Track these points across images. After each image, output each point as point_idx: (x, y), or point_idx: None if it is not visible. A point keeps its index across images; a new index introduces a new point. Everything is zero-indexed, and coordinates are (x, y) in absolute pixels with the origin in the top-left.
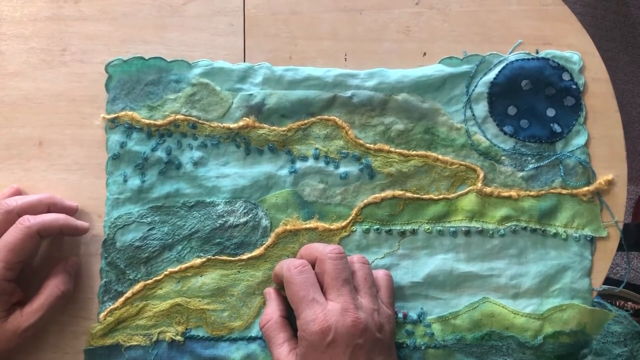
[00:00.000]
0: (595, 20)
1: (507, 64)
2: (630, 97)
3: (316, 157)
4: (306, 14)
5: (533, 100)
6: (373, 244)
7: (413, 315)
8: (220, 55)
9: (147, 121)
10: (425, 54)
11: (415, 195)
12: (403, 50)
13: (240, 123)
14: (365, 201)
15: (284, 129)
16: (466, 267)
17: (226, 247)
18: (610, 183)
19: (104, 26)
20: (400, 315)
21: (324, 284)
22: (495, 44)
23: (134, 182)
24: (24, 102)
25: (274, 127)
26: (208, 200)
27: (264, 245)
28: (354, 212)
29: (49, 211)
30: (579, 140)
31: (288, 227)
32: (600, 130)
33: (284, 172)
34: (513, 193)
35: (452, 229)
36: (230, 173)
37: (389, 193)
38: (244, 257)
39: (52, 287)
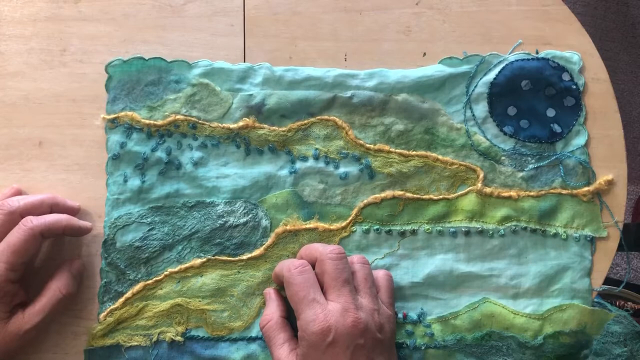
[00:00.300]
0: (595, 20)
1: (507, 64)
2: (630, 97)
3: (316, 158)
4: (306, 14)
5: (533, 101)
6: (373, 244)
7: (413, 315)
8: (220, 56)
9: (147, 121)
10: (425, 54)
11: (415, 196)
12: (403, 51)
13: (240, 123)
14: (365, 201)
15: (284, 129)
16: (466, 268)
17: (226, 247)
18: (610, 183)
19: (104, 26)
20: (400, 315)
21: (324, 285)
22: (495, 44)
23: (134, 182)
24: (24, 103)
25: (274, 128)
26: (208, 200)
27: (264, 246)
28: (354, 212)
29: (51, 211)
30: (579, 141)
31: (288, 228)
32: (600, 130)
33: (284, 172)
34: (513, 193)
35: (452, 229)
36: (230, 173)
37: (389, 193)
38: (244, 257)
39: (54, 289)
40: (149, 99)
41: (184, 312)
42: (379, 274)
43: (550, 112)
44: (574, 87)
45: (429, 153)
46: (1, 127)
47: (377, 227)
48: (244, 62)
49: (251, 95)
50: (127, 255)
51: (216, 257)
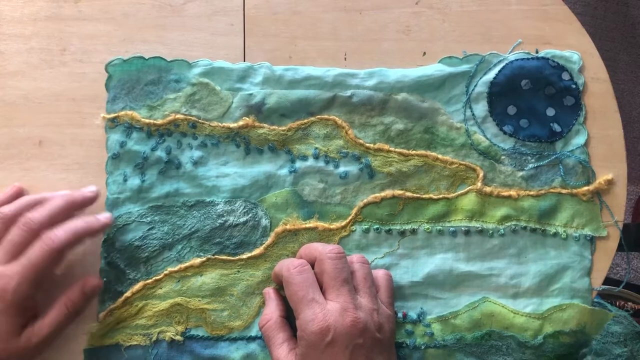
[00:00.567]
0: (595, 20)
1: (506, 64)
2: (630, 97)
3: (316, 157)
4: (306, 13)
5: (533, 100)
6: (373, 243)
7: (413, 315)
8: (220, 55)
9: (147, 121)
10: (425, 53)
11: (415, 195)
12: (403, 50)
13: (240, 123)
14: (365, 201)
15: (283, 128)
16: (466, 267)
17: (226, 246)
18: (610, 183)
19: (103, 26)
20: (400, 315)
21: (324, 284)
22: (495, 44)
23: (134, 181)
24: (23, 102)
25: (273, 127)
26: (208, 199)
27: (264, 245)
28: (353, 211)
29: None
30: (579, 140)
31: (288, 227)
32: (600, 129)
33: (284, 171)
34: (513, 193)
35: (451, 229)
36: (230, 172)
37: (388, 193)
38: (244, 256)
39: (61, 304)
40: (149, 99)
41: (184, 311)
42: (379, 274)
43: (550, 112)
44: (574, 86)
45: (428, 152)
46: (1, 127)
47: (377, 226)
48: (244, 61)
49: (251, 94)
50: (127, 254)
51: (216, 256)
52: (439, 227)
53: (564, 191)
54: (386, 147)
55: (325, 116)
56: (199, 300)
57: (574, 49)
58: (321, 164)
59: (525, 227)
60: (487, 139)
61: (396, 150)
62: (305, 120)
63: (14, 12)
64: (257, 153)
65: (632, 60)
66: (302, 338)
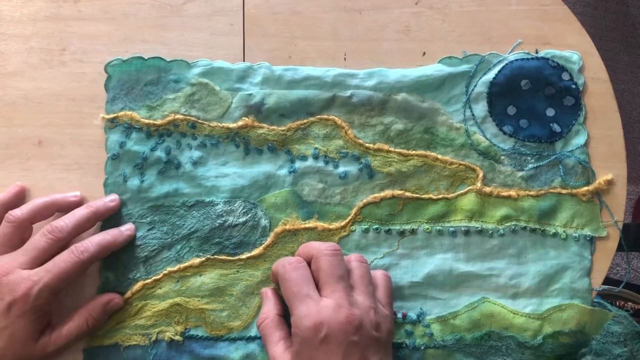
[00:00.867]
0: (595, 20)
1: (506, 64)
2: (630, 97)
3: (315, 157)
4: (306, 13)
5: (532, 100)
6: (372, 243)
7: (412, 315)
8: (220, 55)
9: (147, 121)
10: (424, 53)
11: (414, 195)
12: (402, 50)
13: (240, 123)
14: (364, 201)
15: (283, 128)
16: (465, 267)
17: (225, 246)
18: (609, 183)
19: (103, 26)
20: (399, 315)
21: (319, 281)
22: (495, 44)
23: (133, 181)
24: (23, 102)
25: (273, 127)
26: (207, 199)
27: (263, 245)
28: (353, 211)
29: (57, 211)
30: (579, 140)
31: (287, 227)
32: (599, 130)
33: (283, 171)
34: (512, 193)
35: (451, 229)
36: (229, 173)
37: (388, 193)
38: (243, 256)
39: (83, 320)
40: (148, 99)
41: (183, 311)
42: (377, 274)
43: (550, 112)
44: (574, 86)
45: (428, 152)
46: (1, 127)
47: (377, 226)
48: (244, 61)
49: (250, 94)
50: (126, 254)
51: (215, 256)
52: (438, 227)
53: (563, 191)
54: (386, 147)
55: (325, 116)
56: (198, 300)
57: (574, 49)
58: (321, 164)
59: (525, 227)
60: (487, 139)
61: (396, 150)
62: (305, 121)
63: (14, 12)
64: (256, 153)
65: (632, 60)
66: (296, 335)
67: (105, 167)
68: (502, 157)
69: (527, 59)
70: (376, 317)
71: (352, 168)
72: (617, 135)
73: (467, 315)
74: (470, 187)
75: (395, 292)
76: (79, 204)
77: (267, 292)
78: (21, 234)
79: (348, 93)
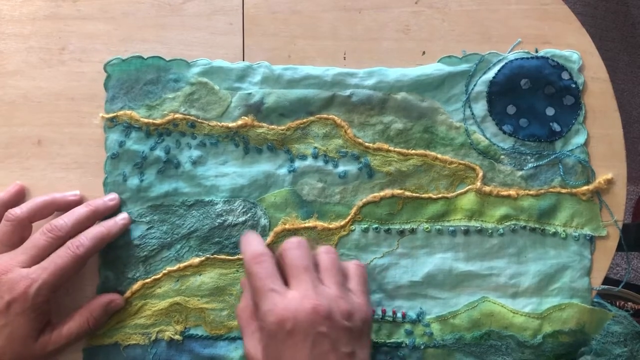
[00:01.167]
0: (595, 20)
1: (506, 63)
2: (630, 97)
3: (315, 156)
4: (305, 13)
5: (532, 99)
6: (372, 243)
7: (412, 314)
8: (219, 54)
9: (146, 120)
10: (424, 53)
11: (414, 194)
12: (402, 49)
13: (239, 122)
14: (364, 200)
15: (282, 128)
16: (465, 267)
17: (225, 246)
18: (609, 182)
19: (102, 25)
20: (399, 314)
21: (286, 275)
22: (495, 43)
23: (133, 181)
24: (23, 101)
25: (272, 126)
26: (207, 199)
27: None
28: (352, 211)
29: (56, 210)
30: (579, 139)
31: (287, 226)
32: (599, 129)
33: (283, 171)
34: (512, 192)
35: (451, 228)
36: (229, 172)
37: (388, 192)
38: None
39: (84, 319)
40: (148, 98)
41: (183, 310)
42: (349, 264)
43: (550, 111)
44: (574, 85)
45: (428, 152)
46: (0, 126)
47: (376, 225)
48: (243, 60)
49: (250, 94)
50: (126, 253)
51: (215, 255)
52: (438, 227)
53: (563, 191)
54: (385, 146)
55: (325, 115)
56: (198, 300)
57: (574, 48)
58: (320, 163)
59: (524, 227)
60: (487, 138)
61: (395, 149)
62: (305, 120)
63: (13, 11)
64: (256, 152)
65: (632, 60)
66: (263, 329)
67: (105, 166)
68: (502, 157)
69: (527, 58)
70: (347, 305)
71: (351, 167)
72: (617, 135)
73: (466, 315)
74: (470, 187)
75: (395, 292)
76: (78, 203)
77: (246, 283)
78: (21, 233)
79: (348, 92)
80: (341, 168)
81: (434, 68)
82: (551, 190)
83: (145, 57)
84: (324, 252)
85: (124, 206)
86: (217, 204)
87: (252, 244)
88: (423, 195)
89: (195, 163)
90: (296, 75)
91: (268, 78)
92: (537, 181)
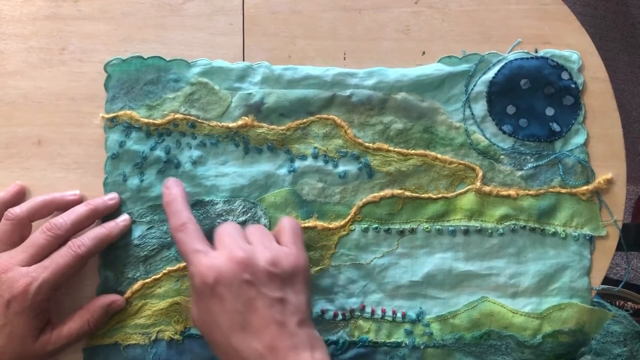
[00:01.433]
0: (595, 20)
1: (506, 63)
2: (630, 97)
3: (315, 156)
4: (305, 13)
5: (532, 99)
6: (372, 242)
7: (412, 314)
8: (220, 55)
9: (146, 120)
10: (424, 53)
11: (414, 194)
12: (402, 50)
13: (239, 122)
14: (364, 200)
15: (283, 128)
16: (465, 266)
17: None
18: (609, 182)
19: (103, 25)
20: (399, 314)
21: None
22: (495, 43)
23: (133, 181)
24: (23, 101)
25: (273, 126)
26: (207, 199)
27: None
28: (352, 211)
29: (56, 209)
30: (578, 139)
31: None
32: (599, 129)
33: (283, 171)
34: (512, 192)
35: (451, 228)
36: (229, 172)
37: (387, 192)
38: None
39: (84, 320)
40: (148, 98)
41: (183, 310)
42: (281, 220)
43: (550, 111)
44: (573, 86)
45: (428, 152)
46: (0, 126)
47: (376, 225)
48: (243, 61)
49: (250, 94)
50: (126, 253)
51: None
52: (438, 227)
53: (563, 190)
54: (385, 146)
55: (325, 115)
56: None
57: (574, 48)
58: (320, 163)
59: (524, 227)
60: (487, 138)
61: (395, 149)
62: (305, 120)
63: (14, 11)
64: (256, 152)
65: (632, 60)
66: (193, 288)
67: (105, 166)
68: (502, 157)
69: (527, 58)
70: (271, 253)
71: (351, 167)
72: (616, 135)
73: (466, 315)
74: (469, 187)
75: (395, 292)
76: (78, 202)
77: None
78: (21, 232)
79: (348, 92)
80: (341, 168)
81: (433, 68)
82: (551, 190)
83: (146, 57)
84: (251, 224)
85: (124, 206)
86: (217, 203)
87: (176, 215)
88: (423, 195)
89: (195, 163)
90: (296, 75)
91: (268, 78)
92: (536, 181)
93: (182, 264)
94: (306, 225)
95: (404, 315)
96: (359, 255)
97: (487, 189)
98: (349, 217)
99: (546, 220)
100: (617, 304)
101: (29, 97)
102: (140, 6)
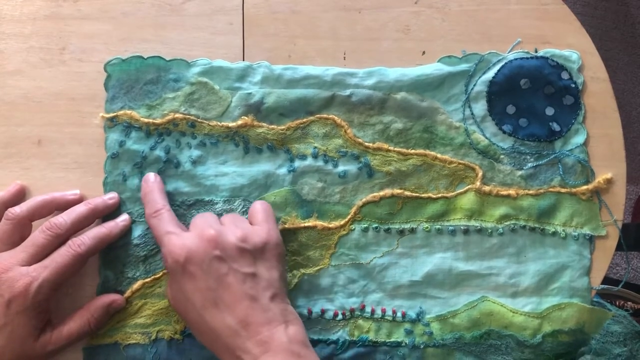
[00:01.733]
0: (595, 20)
1: (506, 63)
2: (630, 97)
3: (315, 156)
4: (305, 13)
5: (532, 99)
6: (372, 242)
7: (412, 314)
8: (219, 54)
9: (146, 120)
10: (424, 52)
11: (414, 194)
12: (402, 49)
13: (239, 122)
14: (364, 200)
15: (282, 127)
16: (465, 266)
17: None
18: (609, 182)
19: (103, 25)
20: (399, 314)
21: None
22: (495, 43)
23: (133, 181)
24: (23, 101)
25: (272, 126)
26: (207, 198)
27: None
28: (352, 210)
29: (56, 209)
30: (578, 139)
31: (287, 226)
32: (599, 129)
33: (283, 170)
34: (512, 192)
35: (450, 228)
36: (228, 172)
37: (387, 192)
38: None
39: (85, 321)
40: (148, 98)
41: None
42: (253, 204)
43: (549, 111)
44: (573, 85)
45: (427, 151)
46: (0, 126)
47: (376, 225)
48: (243, 60)
49: (250, 93)
50: (126, 253)
51: None
52: (438, 226)
53: (563, 190)
54: (385, 146)
55: (325, 115)
56: None
57: (574, 48)
58: (320, 163)
59: (524, 226)
60: (486, 138)
61: (395, 149)
62: (304, 120)
63: (14, 11)
64: (256, 152)
65: (632, 60)
66: (167, 269)
67: (105, 166)
68: (502, 156)
69: (527, 58)
70: (241, 230)
71: (351, 167)
72: (616, 135)
73: (466, 314)
74: (469, 186)
75: (395, 291)
76: (78, 202)
77: None
78: (21, 232)
79: (347, 92)
80: (341, 168)
81: (433, 68)
82: (551, 189)
83: (146, 57)
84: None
85: (123, 206)
86: (217, 203)
87: (151, 203)
88: (423, 195)
89: (195, 163)
90: (296, 75)
91: (268, 78)
92: (536, 181)
93: None
94: (306, 225)
95: (403, 315)
96: (359, 254)
97: (487, 188)
98: (348, 217)
99: (546, 220)
100: (617, 303)
101: (29, 96)
102: (140, 6)
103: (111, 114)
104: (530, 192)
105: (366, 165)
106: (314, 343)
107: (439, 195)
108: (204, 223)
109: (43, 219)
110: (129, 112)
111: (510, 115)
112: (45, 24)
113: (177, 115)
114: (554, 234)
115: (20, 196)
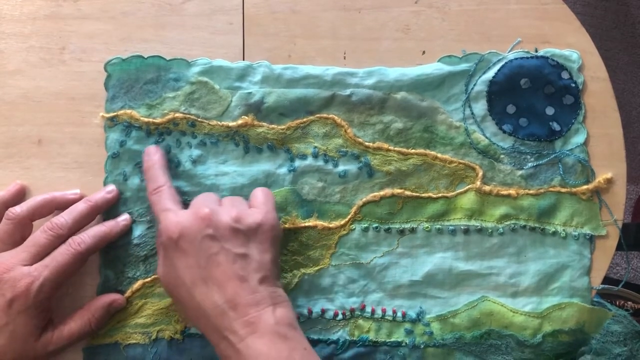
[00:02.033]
0: (595, 20)
1: (506, 63)
2: (630, 96)
3: (315, 156)
4: (305, 12)
5: (532, 99)
6: (372, 242)
7: (412, 314)
8: (220, 54)
9: (146, 120)
10: (424, 52)
11: (414, 194)
12: (402, 49)
13: (239, 121)
14: (364, 199)
15: (282, 127)
16: (465, 266)
17: None
18: (609, 182)
19: (103, 25)
20: (399, 314)
21: None
22: (495, 43)
23: (134, 180)
24: (23, 101)
25: (272, 126)
26: None
27: None
28: (352, 210)
29: (56, 209)
30: (578, 139)
31: (287, 225)
32: (599, 128)
33: (283, 170)
34: (512, 191)
35: (451, 228)
36: (229, 171)
37: (387, 191)
38: None
39: (86, 321)
40: (148, 97)
41: None
42: (254, 190)
43: (550, 111)
44: (573, 85)
45: (428, 151)
46: (0, 125)
47: (376, 225)
48: (243, 60)
49: (250, 93)
50: (126, 253)
51: None
52: (438, 226)
53: (563, 190)
54: (385, 145)
55: (325, 115)
56: None
57: (574, 48)
58: (320, 162)
59: (524, 226)
60: (487, 137)
61: (395, 149)
62: (305, 119)
63: (14, 10)
64: (256, 152)
65: (632, 60)
66: (160, 245)
67: (105, 165)
68: (502, 156)
69: (527, 57)
70: (236, 211)
71: (351, 167)
72: (616, 134)
73: (466, 314)
74: (469, 186)
75: (395, 291)
76: (78, 201)
77: None
78: (21, 231)
79: (347, 92)
80: (341, 167)
81: (433, 68)
82: (551, 189)
83: (146, 57)
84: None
85: (124, 205)
86: None
87: (153, 179)
88: (423, 195)
89: (195, 162)
90: (296, 74)
91: (268, 77)
92: (536, 180)
93: None
94: (306, 224)
95: (404, 315)
96: (359, 254)
97: (487, 188)
98: (349, 217)
99: (546, 220)
100: (617, 303)
101: (29, 96)
102: (140, 6)
103: (111, 114)
104: (531, 191)
105: (366, 165)
106: (314, 343)
107: (439, 195)
108: (202, 202)
109: (43, 218)
110: (129, 111)
111: (510, 114)
112: (45, 23)
113: (177, 114)
114: (554, 233)
115: (20, 196)
